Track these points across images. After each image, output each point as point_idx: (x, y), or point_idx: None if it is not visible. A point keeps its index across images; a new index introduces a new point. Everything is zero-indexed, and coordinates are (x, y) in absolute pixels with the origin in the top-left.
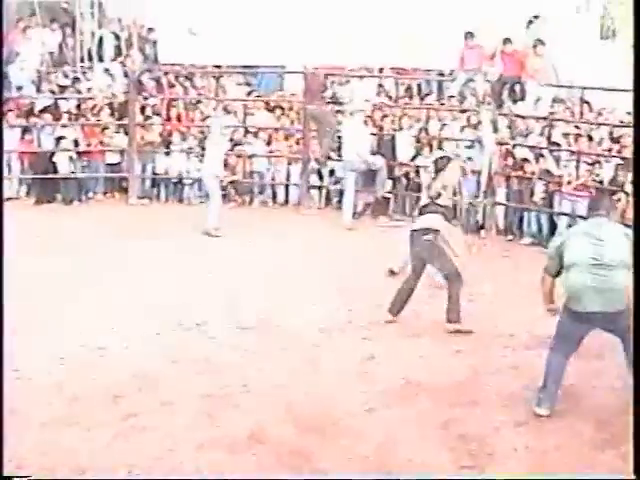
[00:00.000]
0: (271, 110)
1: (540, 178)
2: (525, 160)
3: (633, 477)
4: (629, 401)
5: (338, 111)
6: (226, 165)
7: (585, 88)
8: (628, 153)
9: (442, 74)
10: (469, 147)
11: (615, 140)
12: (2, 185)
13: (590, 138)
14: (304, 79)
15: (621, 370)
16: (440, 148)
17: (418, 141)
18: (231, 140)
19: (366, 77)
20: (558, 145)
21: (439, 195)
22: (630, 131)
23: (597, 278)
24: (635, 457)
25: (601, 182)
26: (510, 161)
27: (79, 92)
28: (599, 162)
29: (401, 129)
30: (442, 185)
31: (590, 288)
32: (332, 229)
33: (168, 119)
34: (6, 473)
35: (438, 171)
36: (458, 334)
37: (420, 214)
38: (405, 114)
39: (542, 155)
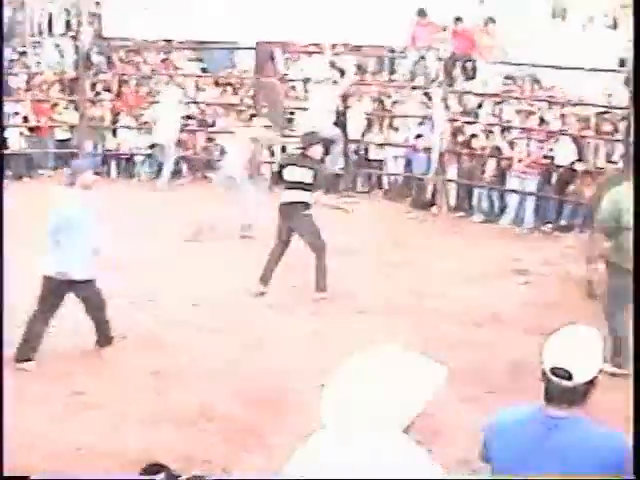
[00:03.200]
0: (222, 86)
1: (491, 155)
2: (474, 136)
3: (633, 477)
4: None
5: (292, 87)
6: (180, 141)
7: (535, 66)
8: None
9: (393, 51)
10: (420, 124)
11: (566, 117)
12: (2, 184)
13: (541, 117)
14: (255, 55)
15: None
16: (391, 125)
17: (369, 118)
18: (187, 117)
19: (317, 53)
20: (509, 122)
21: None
22: (580, 109)
23: None
24: (635, 457)
25: (552, 159)
26: (461, 138)
27: (27, 67)
28: (550, 140)
29: (353, 106)
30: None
31: None
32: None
33: (119, 95)
34: (6, 473)
35: (306, 147)
36: (408, 310)
37: (289, 188)
38: (357, 91)
39: (492, 132)
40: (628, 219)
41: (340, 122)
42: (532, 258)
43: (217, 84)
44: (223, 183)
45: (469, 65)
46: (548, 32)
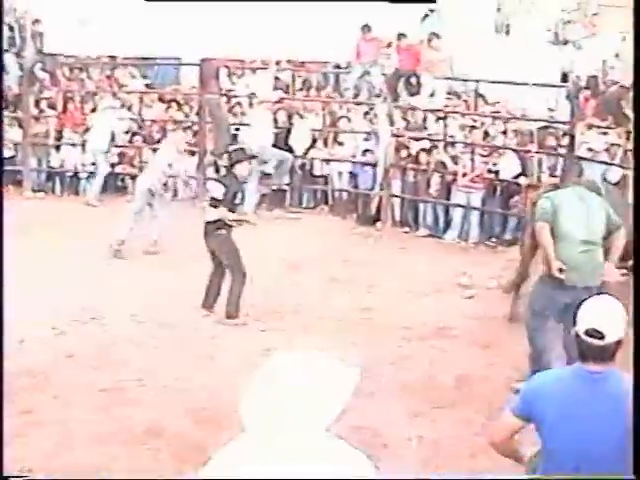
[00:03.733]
0: (166, 102)
1: (435, 170)
2: (421, 152)
3: (633, 477)
4: None
5: (238, 103)
6: (124, 156)
7: (479, 81)
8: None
9: (339, 67)
10: (366, 139)
11: (510, 132)
12: (2, 182)
13: (485, 131)
14: (200, 71)
15: (517, 360)
16: (336, 140)
17: (314, 133)
18: (128, 133)
19: (262, 69)
20: (453, 137)
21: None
22: (526, 124)
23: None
24: (635, 457)
25: (496, 173)
26: (405, 153)
27: None
28: (494, 154)
29: (297, 121)
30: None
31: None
32: None
33: (64, 112)
34: (6, 473)
35: (233, 165)
36: (355, 325)
37: (211, 206)
38: (302, 106)
39: (437, 147)
40: (565, 223)
41: (285, 138)
42: (477, 272)
43: (162, 100)
44: (141, 197)
45: (413, 80)
46: (492, 47)
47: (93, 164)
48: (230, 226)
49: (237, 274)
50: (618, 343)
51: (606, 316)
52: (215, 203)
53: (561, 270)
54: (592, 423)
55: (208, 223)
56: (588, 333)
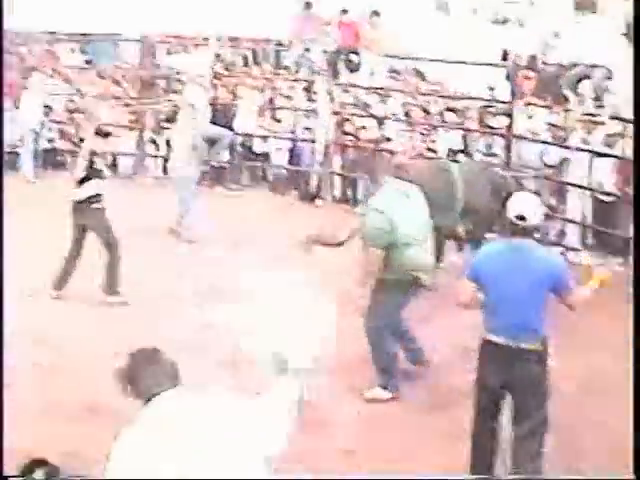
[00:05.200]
0: (105, 79)
1: (375, 148)
2: (361, 129)
3: (633, 477)
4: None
5: (178, 80)
6: (64, 133)
7: (420, 59)
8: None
9: (280, 44)
10: (306, 117)
11: (450, 110)
12: (2, 181)
13: (425, 110)
14: (140, 48)
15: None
16: (275, 118)
17: (254, 111)
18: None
19: (203, 46)
20: (394, 115)
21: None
22: (464, 102)
23: None
24: (635, 457)
25: (435, 152)
26: (346, 130)
27: None
28: (434, 132)
29: (238, 98)
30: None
31: None
32: (169, 199)
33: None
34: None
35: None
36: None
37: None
38: (242, 83)
39: (377, 124)
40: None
41: (226, 115)
42: None
43: (101, 77)
44: None
45: (354, 58)
46: (432, 25)
47: (20, 140)
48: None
49: (114, 250)
50: (536, 225)
51: (527, 206)
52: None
53: None
54: (518, 277)
55: (80, 202)
56: (517, 217)
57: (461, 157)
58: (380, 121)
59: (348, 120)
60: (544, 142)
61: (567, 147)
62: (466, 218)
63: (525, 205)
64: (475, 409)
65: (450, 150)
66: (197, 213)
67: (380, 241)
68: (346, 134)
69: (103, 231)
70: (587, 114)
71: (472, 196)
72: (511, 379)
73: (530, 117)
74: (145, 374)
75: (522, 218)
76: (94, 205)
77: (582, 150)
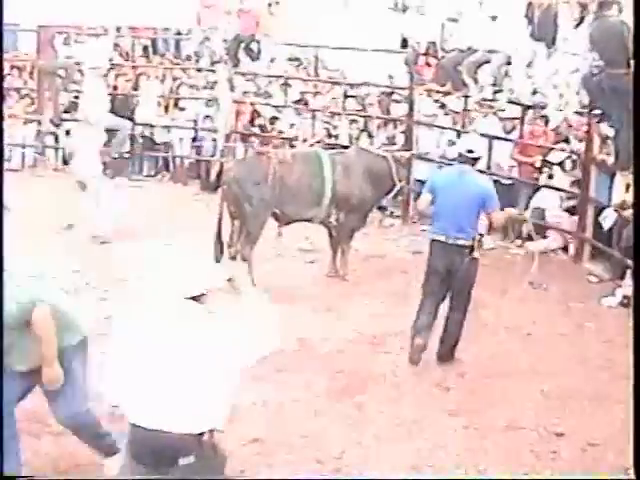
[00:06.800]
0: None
1: (277, 137)
2: (262, 117)
3: (633, 477)
4: (365, 351)
5: (78, 70)
6: None
7: (320, 47)
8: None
9: (179, 33)
10: (207, 106)
11: (350, 97)
12: (2, 180)
13: (325, 98)
14: (37, 37)
15: (359, 322)
16: (177, 106)
17: (156, 100)
18: None
19: (102, 35)
20: (297, 103)
21: None
22: (364, 89)
23: None
24: (635, 457)
25: (336, 137)
26: (247, 119)
27: None
28: (335, 119)
29: (139, 88)
30: None
31: None
32: (70, 189)
33: None
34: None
35: None
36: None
37: None
38: (142, 73)
39: (279, 113)
40: None
41: (127, 106)
42: (319, 237)
43: None
44: None
45: (254, 46)
46: (332, 14)
47: None
48: None
49: None
50: (479, 157)
51: (475, 143)
52: None
53: None
54: (460, 193)
55: None
56: (467, 150)
57: (364, 141)
58: (279, 109)
59: (249, 108)
60: (443, 127)
61: (467, 132)
62: (337, 208)
63: (473, 142)
64: (423, 291)
65: (350, 136)
66: (102, 207)
67: None
68: (252, 124)
69: None
70: (486, 99)
71: (344, 186)
72: (451, 264)
73: (430, 102)
74: None
75: (470, 151)
76: None
77: (481, 135)
